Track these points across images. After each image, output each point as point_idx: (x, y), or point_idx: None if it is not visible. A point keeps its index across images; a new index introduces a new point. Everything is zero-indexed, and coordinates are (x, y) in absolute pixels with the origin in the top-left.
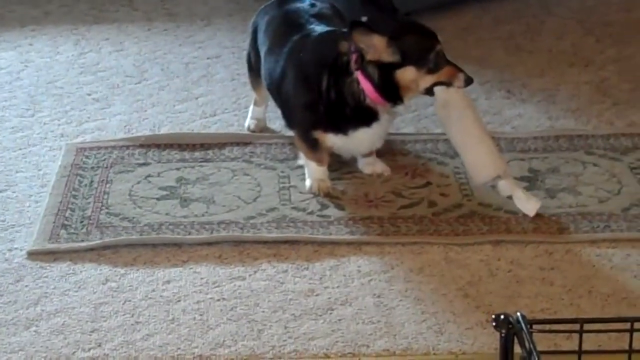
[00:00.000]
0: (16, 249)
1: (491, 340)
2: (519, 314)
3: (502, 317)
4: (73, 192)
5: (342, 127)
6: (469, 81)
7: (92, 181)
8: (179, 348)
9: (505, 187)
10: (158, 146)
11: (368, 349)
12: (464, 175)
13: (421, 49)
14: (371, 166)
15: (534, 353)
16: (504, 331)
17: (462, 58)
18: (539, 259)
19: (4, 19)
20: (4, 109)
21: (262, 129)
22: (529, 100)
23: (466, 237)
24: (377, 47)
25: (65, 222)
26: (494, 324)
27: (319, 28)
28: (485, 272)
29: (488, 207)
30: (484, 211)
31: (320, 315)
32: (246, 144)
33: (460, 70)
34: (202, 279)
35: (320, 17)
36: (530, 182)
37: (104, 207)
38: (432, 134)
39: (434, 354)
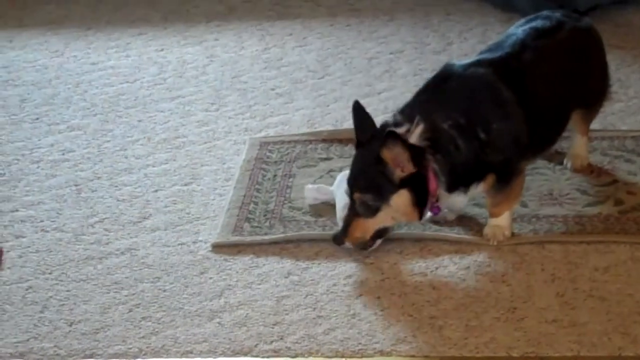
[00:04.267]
0: (201, 241)
1: None
2: None
3: None
4: (256, 186)
5: None
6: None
7: (275, 175)
8: (359, 343)
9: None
10: (340, 141)
11: (552, 349)
12: None
13: None
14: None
15: None
16: None
17: None
18: None
19: (189, 14)
20: (191, 103)
21: None
22: None
23: None
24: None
25: (249, 216)
26: None
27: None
28: None
29: None
30: None
31: (503, 314)
32: None
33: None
34: (382, 274)
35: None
36: None
37: (286, 201)
38: (619, 131)
39: (620, 356)
